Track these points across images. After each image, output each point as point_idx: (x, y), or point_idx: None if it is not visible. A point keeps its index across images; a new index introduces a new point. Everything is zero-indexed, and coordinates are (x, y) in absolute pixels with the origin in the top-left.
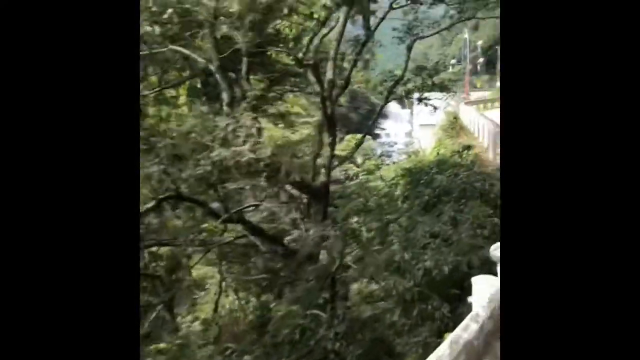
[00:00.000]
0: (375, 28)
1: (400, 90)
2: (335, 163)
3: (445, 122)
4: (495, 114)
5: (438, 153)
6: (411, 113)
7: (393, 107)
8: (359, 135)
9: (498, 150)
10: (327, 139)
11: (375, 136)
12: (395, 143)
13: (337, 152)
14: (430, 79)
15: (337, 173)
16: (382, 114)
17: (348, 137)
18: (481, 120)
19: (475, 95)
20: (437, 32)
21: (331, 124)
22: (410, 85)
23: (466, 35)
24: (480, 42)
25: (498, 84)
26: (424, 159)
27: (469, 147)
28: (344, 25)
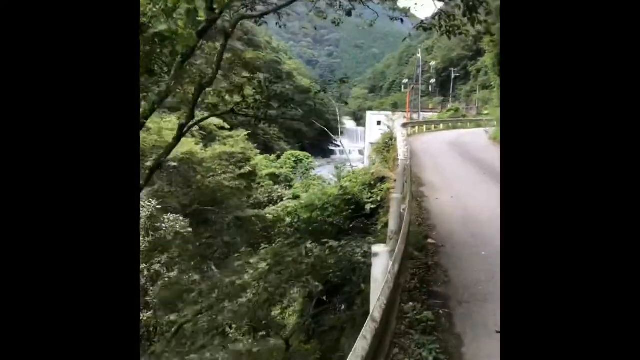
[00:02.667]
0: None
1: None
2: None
3: (380, 144)
4: (432, 137)
5: (342, 187)
6: (365, 131)
7: (349, 124)
8: (300, 153)
9: (401, 185)
10: None
11: (329, 153)
12: (343, 164)
13: (272, 169)
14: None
15: (260, 194)
16: (338, 131)
17: (287, 153)
18: (403, 147)
19: (427, 115)
20: (267, 14)
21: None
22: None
23: (419, 55)
24: (433, 63)
25: (449, 105)
26: (323, 193)
27: (382, 180)
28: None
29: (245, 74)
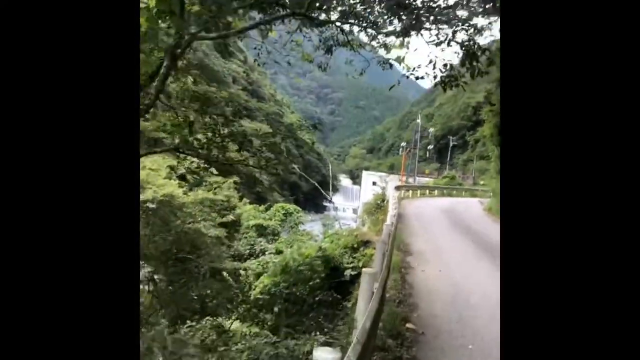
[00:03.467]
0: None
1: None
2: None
3: (372, 204)
4: (426, 202)
5: (321, 248)
6: (360, 190)
7: (345, 181)
8: (290, 206)
9: (380, 257)
10: None
11: (323, 208)
12: (331, 222)
13: (260, 220)
14: None
15: (242, 246)
16: (334, 188)
17: (277, 205)
18: (392, 211)
19: (423, 180)
20: (222, 37)
21: None
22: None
23: (419, 121)
24: (432, 130)
25: (446, 172)
26: (299, 254)
27: (366, 243)
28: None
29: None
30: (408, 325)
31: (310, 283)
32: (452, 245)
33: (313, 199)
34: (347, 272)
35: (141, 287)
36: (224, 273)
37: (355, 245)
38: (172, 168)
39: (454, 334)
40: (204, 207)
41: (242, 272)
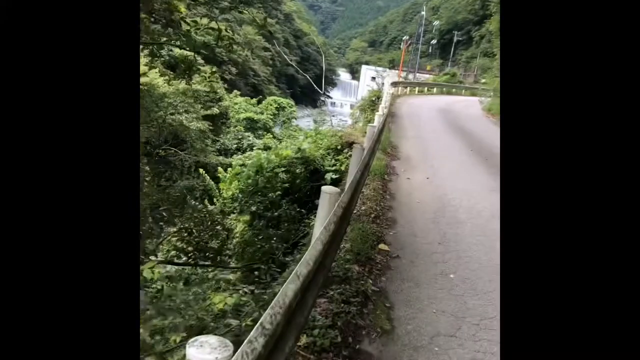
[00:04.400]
0: None
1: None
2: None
3: (366, 101)
4: (423, 100)
5: (299, 149)
6: (358, 85)
7: (344, 76)
8: (283, 100)
9: (355, 166)
10: None
11: (321, 103)
12: (323, 119)
13: (251, 113)
14: None
15: (228, 140)
16: (332, 82)
17: (269, 98)
18: (382, 110)
19: (423, 77)
20: None
21: None
22: None
23: (423, 13)
24: (437, 23)
25: (448, 68)
26: (277, 154)
27: (351, 145)
28: None
29: None
30: (381, 246)
31: (269, 195)
32: (445, 149)
33: (310, 94)
34: (328, 176)
35: None
36: (200, 170)
37: (339, 147)
38: (153, 55)
39: (434, 258)
40: (186, 97)
41: (219, 169)
